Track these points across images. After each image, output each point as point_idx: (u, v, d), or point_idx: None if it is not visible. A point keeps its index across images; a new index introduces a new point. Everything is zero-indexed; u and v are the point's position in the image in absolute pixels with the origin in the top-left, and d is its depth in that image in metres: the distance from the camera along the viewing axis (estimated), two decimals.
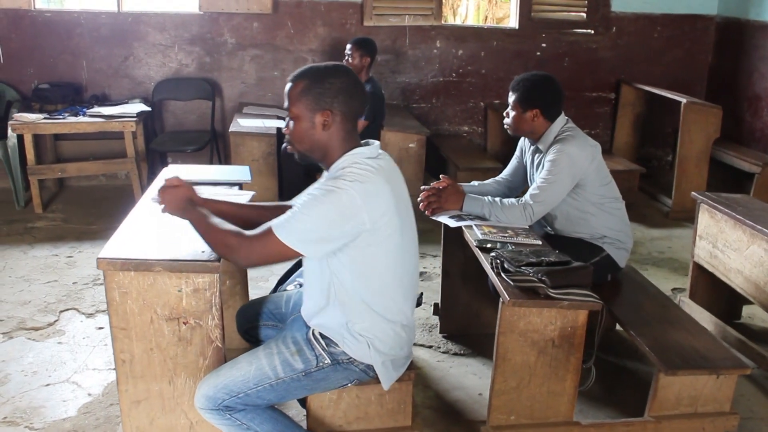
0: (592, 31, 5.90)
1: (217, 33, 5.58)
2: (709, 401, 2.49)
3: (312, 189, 1.98)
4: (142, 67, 5.57)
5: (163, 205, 2.07)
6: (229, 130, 4.84)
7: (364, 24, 5.63)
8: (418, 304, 2.65)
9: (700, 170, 5.05)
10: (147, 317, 2.14)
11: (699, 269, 3.43)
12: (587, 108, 6.08)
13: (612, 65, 6.00)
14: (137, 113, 5.02)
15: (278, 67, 5.70)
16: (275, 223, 1.93)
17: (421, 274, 4.07)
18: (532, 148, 3.05)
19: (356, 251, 1.97)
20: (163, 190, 2.08)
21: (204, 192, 2.26)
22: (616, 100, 6.03)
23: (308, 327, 2.15)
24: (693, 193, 3.43)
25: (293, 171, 4.72)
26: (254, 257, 1.96)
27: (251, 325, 2.46)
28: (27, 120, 4.81)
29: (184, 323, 2.16)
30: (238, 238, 1.96)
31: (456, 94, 5.94)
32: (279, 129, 4.94)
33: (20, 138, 4.86)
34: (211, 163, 5.43)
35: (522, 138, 3.15)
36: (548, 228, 3.13)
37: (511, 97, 2.95)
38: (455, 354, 3.21)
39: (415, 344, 3.27)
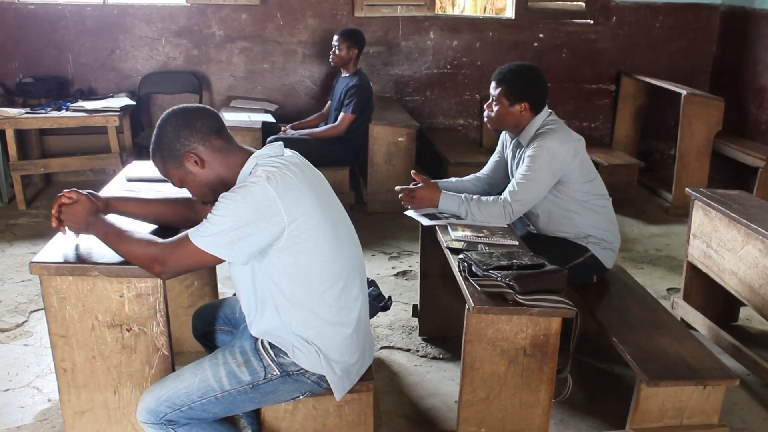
0: (592, 21, 5.70)
1: (205, 25, 5.44)
2: (696, 413, 2.33)
3: (225, 192, 1.84)
4: (128, 60, 5.45)
5: (64, 226, 1.99)
6: None
7: (356, 15, 5.47)
8: (385, 308, 2.52)
9: (702, 164, 4.87)
10: (88, 324, 2.01)
11: (693, 269, 3.26)
12: (587, 100, 5.89)
13: (612, 56, 5.80)
14: (121, 107, 4.90)
15: (268, 59, 5.56)
16: (192, 230, 1.82)
17: (405, 273, 3.92)
18: (513, 142, 2.90)
19: (286, 253, 1.84)
20: (59, 209, 1.98)
21: (109, 190, 2.15)
22: (617, 92, 5.83)
23: (257, 336, 2.01)
24: (687, 189, 3.26)
25: None
26: (173, 267, 1.84)
27: (207, 329, 2.34)
28: (8, 115, 4.70)
29: (128, 330, 2.03)
30: (154, 248, 1.85)
31: (450, 86, 5.77)
32: (265, 123, 4.81)
33: (2, 133, 4.75)
34: None
35: (503, 132, 2.99)
36: (531, 227, 2.97)
37: (496, 89, 2.79)
38: (434, 358, 3.06)
39: (392, 347, 3.15)
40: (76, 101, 5.04)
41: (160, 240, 1.89)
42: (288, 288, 1.90)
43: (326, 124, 4.90)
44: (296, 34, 5.53)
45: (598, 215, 2.83)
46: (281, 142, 2.00)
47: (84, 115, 4.82)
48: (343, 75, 4.82)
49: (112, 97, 5.20)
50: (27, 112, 4.79)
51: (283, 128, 4.88)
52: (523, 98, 2.74)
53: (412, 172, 2.90)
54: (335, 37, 4.71)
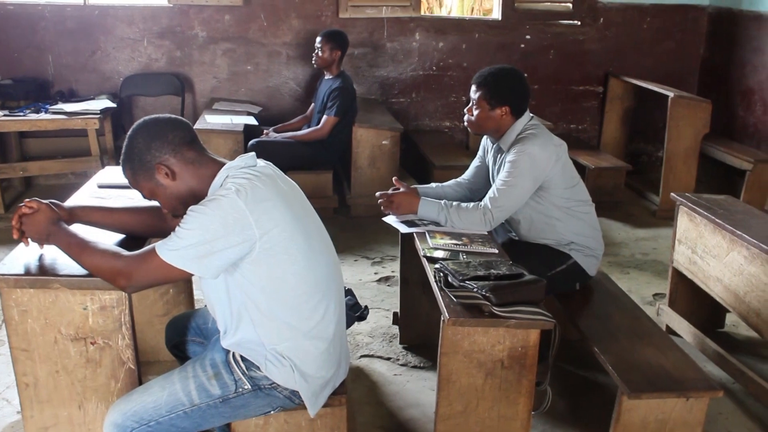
0: (579, 22, 5.66)
1: (188, 26, 5.37)
2: (679, 425, 2.27)
3: (194, 205, 1.78)
4: (110, 62, 5.37)
5: (27, 237, 1.93)
6: (194, 127, 4.61)
7: (340, 16, 5.41)
8: (362, 317, 2.46)
9: (689, 167, 4.83)
10: (50, 337, 1.94)
11: (678, 275, 3.21)
12: (574, 102, 5.85)
13: (599, 57, 5.76)
14: (101, 110, 4.82)
15: (251, 61, 5.49)
16: (159, 243, 1.75)
17: (388, 279, 3.86)
18: (494, 147, 2.85)
19: (259, 265, 1.78)
20: (20, 220, 1.91)
21: (79, 197, 2.08)
22: (604, 94, 5.79)
23: (228, 349, 1.95)
24: (672, 194, 3.21)
25: None
26: (138, 281, 1.78)
27: (179, 339, 2.27)
28: None
29: (92, 343, 1.96)
30: (119, 261, 1.78)
31: (437, 88, 5.71)
32: (247, 125, 4.74)
33: None
34: None
35: (485, 136, 2.94)
36: (513, 233, 2.92)
37: (476, 93, 2.74)
38: (414, 367, 3.01)
39: (372, 356, 3.09)
40: (56, 103, 4.95)
41: (125, 252, 1.82)
42: (263, 301, 1.84)
43: (309, 126, 4.84)
44: (280, 35, 5.46)
45: (580, 222, 2.78)
46: (254, 153, 1.93)
47: (63, 118, 4.73)
48: (326, 77, 4.76)
49: (93, 99, 5.12)
50: (5, 115, 4.70)
51: (265, 131, 4.82)
52: (503, 102, 2.68)
53: (393, 178, 2.85)
54: (318, 39, 4.65)
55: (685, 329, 3.13)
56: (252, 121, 4.89)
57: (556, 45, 5.70)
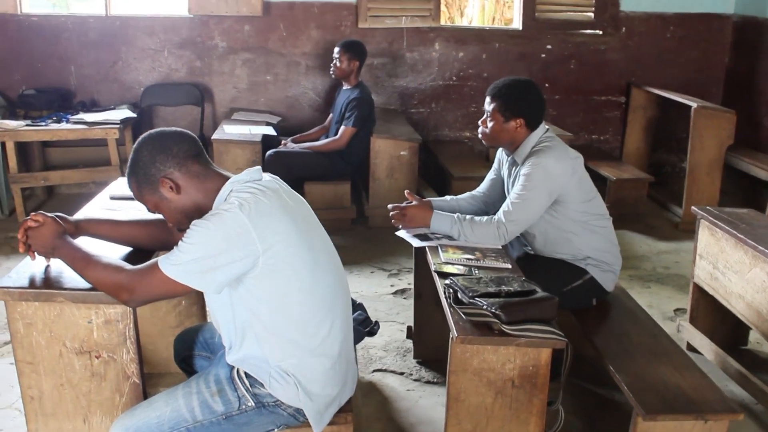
0: (601, 32, 5.59)
1: (208, 36, 5.40)
2: None
3: (197, 220, 1.76)
4: (131, 72, 5.42)
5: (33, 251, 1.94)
6: (212, 138, 4.65)
7: (359, 26, 5.40)
8: (372, 333, 2.42)
9: (713, 179, 4.72)
10: (55, 350, 1.94)
11: (700, 291, 3.13)
12: (596, 112, 5.78)
13: (622, 67, 5.68)
14: (121, 120, 4.86)
15: (271, 71, 5.51)
16: (161, 258, 1.74)
17: (404, 291, 3.82)
18: (509, 160, 2.80)
19: (263, 281, 1.76)
20: (25, 233, 1.92)
21: (90, 208, 2.08)
22: (627, 104, 5.71)
23: (233, 365, 1.92)
24: (693, 207, 3.14)
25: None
26: (141, 296, 1.77)
27: (187, 353, 2.26)
28: (8, 127, 4.67)
29: (97, 357, 1.95)
30: (122, 275, 1.77)
31: (457, 98, 5.68)
32: (265, 135, 4.74)
33: (3, 145, 4.73)
34: None
35: (500, 149, 2.90)
36: (528, 248, 2.87)
37: (490, 105, 2.71)
38: (427, 382, 2.96)
39: (385, 370, 3.05)
40: (77, 113, 5.01)
41: (129, 266, 1.81)
42: (267, 317, 1.82)
43: (327, 137, 4.83)
44: (299, 45, 5.47)
45: (597, 236, 2.72)
46: (259, 167, 1.92)
47: (84, 128, 4.78)
48: (344, 87, 4.75)
49: (114, 109, 5.17)
50: (27, 125, 4.76)
51: (283, 141, 4.81)
52: (518, 114, 2.64)
53: (406, 191, 2.81)
54: (336, 49, 4.64)
55: (706, 347, 3.05)
56: (270, 131, 4.89)
57: (578, 55, 5.64)
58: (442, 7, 7.21)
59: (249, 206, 1.73)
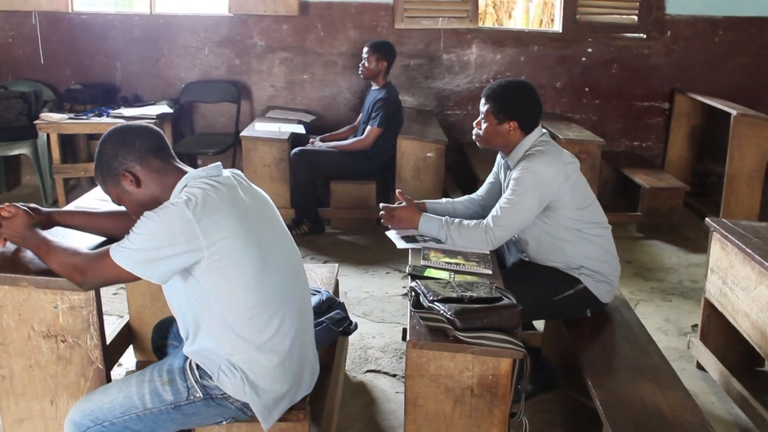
0: (645, 36, 5.39)
1: (247, 35, 5.50)
2: None
3: (147, 212, 1.80)
4: (173, 69, 5.57)
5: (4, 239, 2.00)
6: (240, 135, 4.73)
7: (396, 26, 5.40)
8: (346, 333, 2.42)
9: (753, 190, 4.49)
10: (24, 333, 2.02)
11: (711, 307, 2.98)
12: (638, 119, 5.58)
13: (666, 73, 5.46)
14: (157, 115, 5.01)
15: (308, 70, 5.56)
16: (114, 245, 1.80)
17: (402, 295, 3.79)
18: (504, 163, 2.74)
19: (210, 275, 1.79)
20: None
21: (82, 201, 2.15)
22: (670, 111, 5.49)
23: (188, 356, 1.95)
24: (707, 219, 3.00)
25: (301, 177, 4.56)
26: (92, 278, 1.83)
27: (162, 342, 2.31)
28: (52, 120, 4.89)
29: (63, 341, 2.02)
30: (77, 258, 1.84)
31: None
32: (293, 134, 4.79)
33: (48, 137, 4.95)
34: (233, 166, 5.34)
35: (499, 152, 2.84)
36: (524, 254, 2.80)
37: (484, 106, 2.65)
38: None
39: (378, 371, 3.04)
40: (119, 108, 5.19)
41: (85, 251, 1.88)
42: (216, 310, 1.84)
43: (356, 136, 4.84)
44: (336, 45, 5.51)
45: (592, 245, 2.62)
46: (219, 163, 1.95)
47: (122, 122, 4.94)
48: (372, 87, 4.75)
49: (153, 104, 5.33)
50: (70, 118, 4.97)
51: (311, 140, 4.85)
52: (512, 117, 2.58)
53: (397, 191, 2.79)
54: (365, 49, 4.65)
55: (712, 366, 2.90)
56: (300, 129, 4.94)
57: (620, 59, 5.46)
58: (489, 9, 7.15)
59: (195, 202, 1.76)
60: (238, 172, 2.00)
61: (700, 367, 3.04)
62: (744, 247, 2.64)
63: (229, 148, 5.29)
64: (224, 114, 5.63)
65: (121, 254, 1.77)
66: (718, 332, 3.00)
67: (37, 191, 5.24)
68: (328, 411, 2.43)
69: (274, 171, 4.67)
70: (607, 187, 5.47)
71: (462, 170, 5.60)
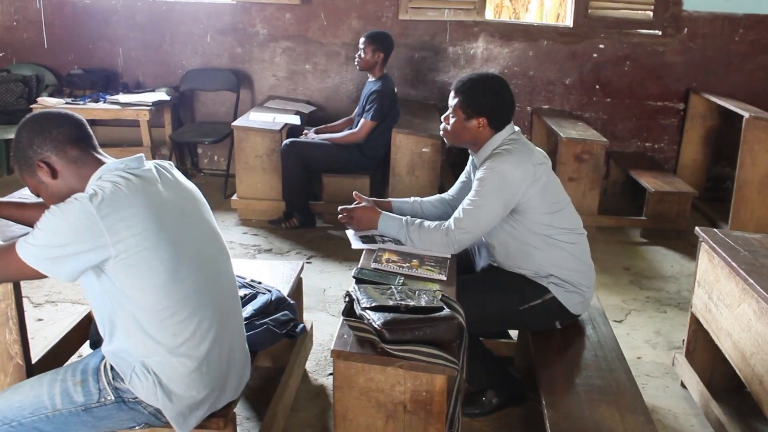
0: (660, 32, 5.15)
1: (249, 23, 5.40)
2: None
3: (52, 205, 1.69)
4: (174, 56, 5.51)
5: None
6: (232, 124, 4.64)
7: (400, 17, 5.24)
8: (290, 335, 2.29)
9: (764, 197, 4.24)
10: None
11: (697, 323, 2.78)
12: (650, 119, 5.34)
13: (681, 72, 5.21)
14: (153, 102, 4.95)
15: (310, 60, 5.44)
16: (21, 239, 1.68)
17: None
18: (472, 161, 2.58)
19: (120, 274, 1.67)
20: None
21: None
22: (685, 111, 5.24)
23: (105, 356, 1.85)
24: (696, 228, 2.80)
25: (292, 169, 4.44)
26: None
27: (98, 338, 2.20)
28: (47, 104, 4.86)
29: None
30: None
31: None
32: (287, 124, 4.68)
33: None
34: (229, 156, 5.24)
35: None
36: (493, 259, 2.64)
37: (453, 100, 2.49)
38: None
39: None
40: (117, 94, 5.14)
41: None
42: (130, 310, 1.73)
43: (351, 129, 4.71)
44: (339, 35, 5.38)
45: (562, 252, 2.45)
46: (142, 155, 1.84)
47: (117, 108, 4.91)
48: (369, 79, 4.61)
49: (152, 91, 5.27)
50: (67, 103, 4.93)
51: (305, 131, 4.74)
52: (480, 112, 2.42)
53: (354, 192, 2.66)
54: (361, 40, 4.51)
55: (694, 386, 2.71)
56: (295, 120, 4.82)
57: (633, 56, 5.22)
58: (506, 3, 6.94)
59: (102, 196, 1.65)
60: (166, 164, 1.89)
61: (683, 386, 2.85)
62: (730, 260, 2.44)
63: (225, 138, 5.19)
64: (225, 102, 5.55)
65: (26, 251, 1.66)
66: (705, 350, 2.80)
67: None
68: (270, 416, 2.31)
69: (265, 162, 4.57)
70: (616, 189, 5.25)
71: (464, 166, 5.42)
